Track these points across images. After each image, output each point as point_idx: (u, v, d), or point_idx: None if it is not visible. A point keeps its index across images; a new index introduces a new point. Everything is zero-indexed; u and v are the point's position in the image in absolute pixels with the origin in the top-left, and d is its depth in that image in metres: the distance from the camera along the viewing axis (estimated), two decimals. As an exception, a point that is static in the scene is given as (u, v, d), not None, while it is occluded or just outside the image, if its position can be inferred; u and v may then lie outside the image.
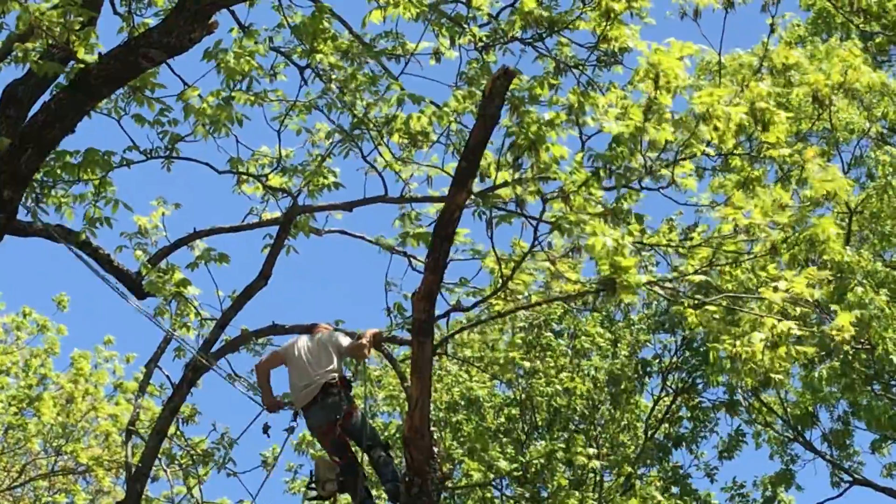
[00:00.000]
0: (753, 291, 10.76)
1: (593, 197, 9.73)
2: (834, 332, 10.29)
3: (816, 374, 20.11)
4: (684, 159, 10.36)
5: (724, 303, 11.12)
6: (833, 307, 11.22)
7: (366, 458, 11.55)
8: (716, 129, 10.04)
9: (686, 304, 10.97)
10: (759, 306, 10.48)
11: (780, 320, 9.96)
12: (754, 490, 24.05)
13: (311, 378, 11.64)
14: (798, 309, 10.50)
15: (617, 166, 9.91)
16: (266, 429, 12.22)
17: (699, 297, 11.09)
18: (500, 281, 11.13)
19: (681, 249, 11.07)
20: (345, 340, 11.90)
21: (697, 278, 10.78)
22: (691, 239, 11.07)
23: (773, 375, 9.98)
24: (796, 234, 10.42)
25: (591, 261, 10.48)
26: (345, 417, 11.53)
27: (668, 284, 11.33)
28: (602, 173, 9.71)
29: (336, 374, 11.68)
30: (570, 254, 10.47)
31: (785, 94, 10.75)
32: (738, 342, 9.98)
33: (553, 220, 10.13)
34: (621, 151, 9.84)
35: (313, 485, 11.60)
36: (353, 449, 11.62)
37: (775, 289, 10.31)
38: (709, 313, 11.06)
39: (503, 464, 20.83)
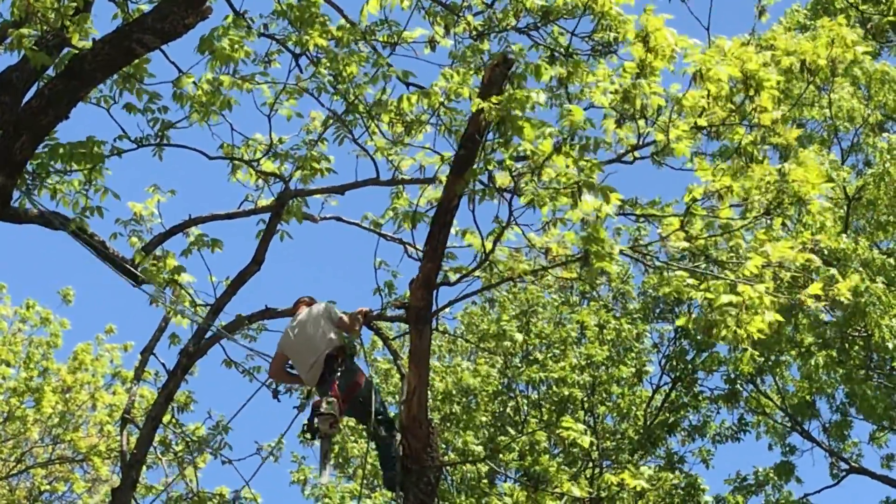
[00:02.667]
0: (741, 257, 10.65)
1: (563, 170, 9.63)
2: (806, 299, 10.18)
3: (812, 363, 20.13)
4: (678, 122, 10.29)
5: (699, 271, 11.02)
6: (831, 271, 11.11)
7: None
8: (708, 94, 10.00)
9: (660, 271, 10.88)
10: (736, 274, 10.39)
11: (752, 285, 9.89)
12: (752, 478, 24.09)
13: (314, 355, 11.61)
14: (787, 275, 10.42)
15: (580, 137, 9.82)
16: (276, 394, 12.18)
17: (673, 264, 11.03)
18: (483, 256, 11.09)
19: (662, 220, 11.00)
20: (336, 309, 11.86)
21: (677, 245, 10.71)
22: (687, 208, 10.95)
23: (746, 344, 9.88)
24: (787, 196, 10.33)
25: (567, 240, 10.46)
26: (352, 387, 11.48)
27: (642, 251, 11.25)
28: (565, 147, 9.61)
29: (335, 346, 11.62)
30: (546, 227, 10.42)
31: (774, 63, 10.66)
32: (713, 312, 9.90)
33: (528, 198, 10.06)
34: (581, 120, 9.72)
35: (315, 421, 11.35)
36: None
37: (763, 254, 10.22)
38: (682, 278, 10.96)
39: (477, 448, 20.86)
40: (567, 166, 9.51)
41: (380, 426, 11.43)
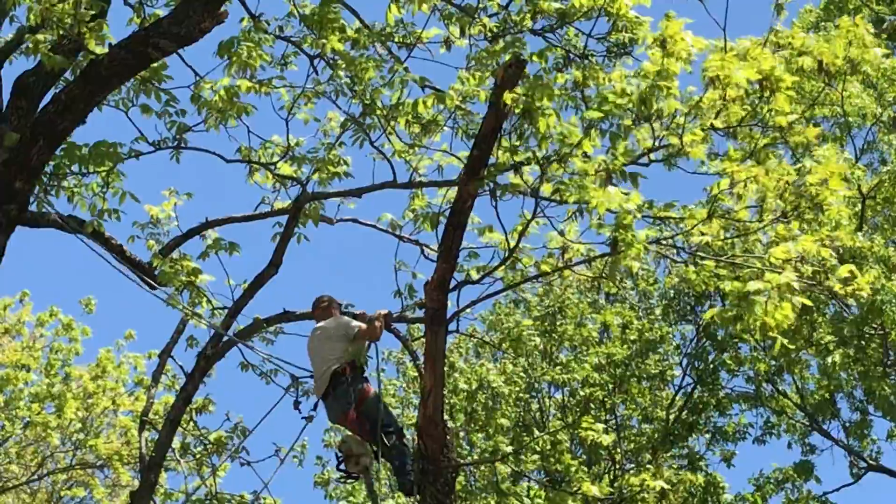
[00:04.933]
0: (761, 252, 10.67)
1: (590, 160, 9.68)
2: (836, 286, 10.19)
3: (830, 360, 20.10)
4: (693, 126, 10.32)
5: (726, 261, 11.04)
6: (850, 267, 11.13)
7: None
8: (724, 97, 10.00)
9: (687, 263, 10.90)
10: (762, 263, 10.41)
11: (780, 272, 9.88)
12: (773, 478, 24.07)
13: (321, 369, 11.55)
14: (809, 269, 10.42)
15: (610, 124, 9.87)
16: (297, 405, 12.19)
17: (701, 254, 11.02)
18: (507, 252, 11.11)
19: (684, 220, 11.04)
20: (353, 324, 11.73)
21: (702, 238, 10.72)
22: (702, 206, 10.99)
23: (775, 333, 9.88)
24: (804, 199, 10.34)
25: (594, 233, 10.50)
26: (358, 402, 11.49)
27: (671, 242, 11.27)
28: (593, 134, 9.67)
29: (342, 362, 11.49)
30: (573, 217, 10.45)
31: (791, 64, 10.66)
32: (740, 303, 9.90)
33: (551, 189, 10.10)
34: (615, 105, 9.76)
35: (342, 464, 11.46)
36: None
37: (784, 250, 10.23)
38: (709, 269, 10.97)
39: (505, 446, 20.89)
40: (592, 153, 9.55)
41: (391, 436, 11.42)
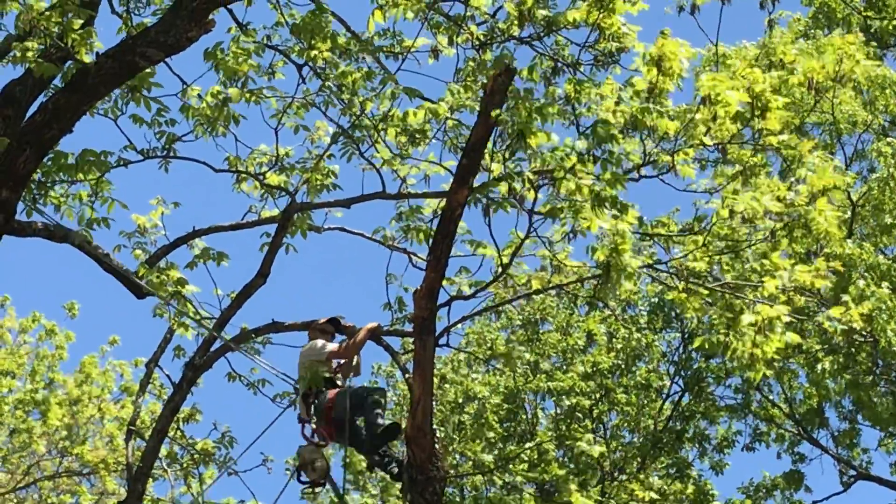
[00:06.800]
0: (755, 282, 10.70)
1: (584, 181, 9.71)
2: (825, 323, 10.26)
3: (819, 368, 20.10)
4: (686, 147, 10.34)
5: (719, 290, 11.07)
6: (844, 297, 11.14)
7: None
8: (715, 117, 10.03)
9: (680, 289, 10.93)
10: (754, 294, 10.44)
11: (771, 305, 9.90)
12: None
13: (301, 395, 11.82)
14: (802, 299, 10.46)
15: (603, 151, 9.90)
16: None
17: (694, 282, 11.04)
18: (500, 269, 11.12)
19: (675, 238, 11.06)
20: (325, 348, 11.93)
21: (694, 264, 10.75)
22: (690, 228, 11.05)
23: (760, 366, 9.91)
24: (793, 220, 10.38)
25: (586, 253, 10.50)
26: (326, 413, 11.57)
27: (663, 268, 11.29)
28: (587, 159, 9.69)
29: (306, 387, 11.72)
30: (567, 238, 10.48)
31: (781, 82, 10.69)
32: (730, 332, 9.93)
33: (547, 208, 10.13)
34: (609, 132, 9.80)
35: (303, 475, 11.63)
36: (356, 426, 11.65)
37: (776, 284, 10.28)
38: (702, 296, 11.00)
39: (487, 457, 20.87)
40: (586, 177, 9.56)
41: (369, 415, 11.51)
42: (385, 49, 12.68)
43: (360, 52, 12.40)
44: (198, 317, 13.47)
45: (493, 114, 9.64)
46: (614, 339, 23.11)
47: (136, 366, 25.59)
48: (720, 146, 10.44)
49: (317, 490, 11.94)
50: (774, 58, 11.14)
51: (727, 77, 10.03)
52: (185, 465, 16.31)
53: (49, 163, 11.85)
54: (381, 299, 13.48)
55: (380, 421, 11.42)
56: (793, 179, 10.49)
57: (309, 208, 13.58)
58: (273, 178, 13.73)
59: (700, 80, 10.06)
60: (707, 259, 10.77)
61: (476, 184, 10.36)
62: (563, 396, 22.17)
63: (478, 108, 10.44)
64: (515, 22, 12.34)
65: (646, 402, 23.68)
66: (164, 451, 15.19)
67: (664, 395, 24.12)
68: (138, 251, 13.45)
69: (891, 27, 22.14)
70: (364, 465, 22.13)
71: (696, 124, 10.21)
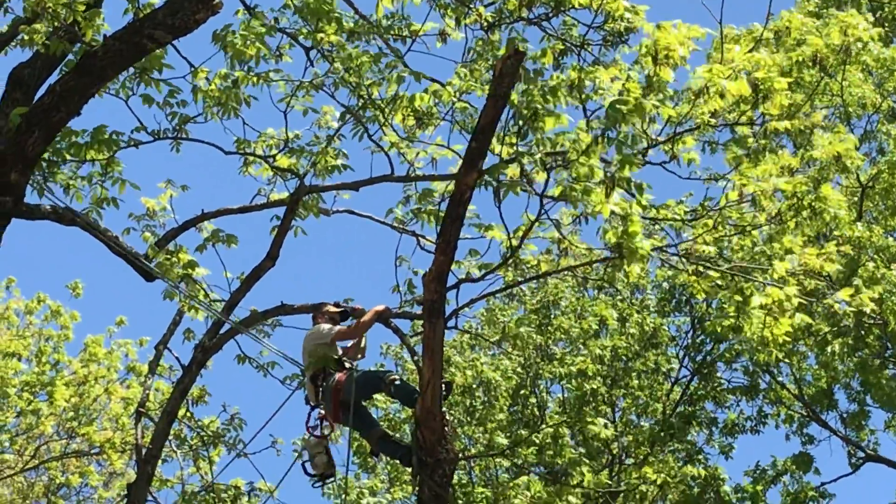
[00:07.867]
0: (764, 264, 10.69)
1: (595, 164, 9.70)
2: (835, 305, 10.25)
3: (829, 350, 20.09)
4: (685, 132, 10.32)
5: (729, 272, 11.05)
6: (855, 282, 11.11)
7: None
8: (714, 112, 10.01)
9: (690, 272, 10.91)
10: (764, 277, 10.42)
11: (780, 287, 9.88)
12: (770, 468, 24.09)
13: (306, 373, 11.90)
14: (812, 282, 10.45)
15: (617, 132, 9.89)
16: (307, 400, 12.19)
17: (704, 264, 11.02)
18: (509, 251, 11.11)
19: (685, 221, 11.04)
20: (332, 330, 11.94)
21: (704, 248, 10.73)
22: (699, 211, 11.04)
23: (774, 347, 9.91)
24: (799, 200, 10.35)
25: (596, 235, 10.50)
26: (334, 396, 11.61)
27: (673, 251, 11.28)
28: (600, 141, 9.68)
29: (315, 368, 11.78)
30: (577, 221, 10.47)
31: (788, 60, 10.66)
32: (740, 314, 9.92)
33: (559, 190, 10.12)
34: (621, 114, 9.78)
35: (310, 469, 11.78)
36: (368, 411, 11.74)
37: (787, 266, 10.25)
38: (712, 279, 10.97)
39: (502, 440, 20.87)
40: (597, 161, 9.56)
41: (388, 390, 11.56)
42: (393, 32, 12.64)
43: (367, 33, 12.36)
44: (207, 299, 13.47)
45: (512, 98, 9.61)
46: (627, 324, 23.07)
47: (142, 345, 25.61)
48: (728, 126, 10.42)
49: (328, 482, 11.98)
50: (780, 27, 11.08)
51: (725, 67, 9.98)
52: (193, 446, 16.33)
53: (60, 142, 11.83)
54: (389, 282, 13.52)
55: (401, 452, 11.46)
56: (803, 154, 10.47)
57: (317, 191, 13.56)
58: (282, 161, 13.70)
59: (694, 72, 10.03)
60: (716, 242, 10.75)
61: (485, 167, 10.35)
62: (576, 380, 22.12)
63: (486, 91, 10.41)
64: (524, 3, 12.31)
65: (655, 385, 23.66)
66: (172, 432, 15.20)
67: (672, 380, 24.11)
68: (147, 234, 13.43)
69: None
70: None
71: (699, 105, 10.17)
